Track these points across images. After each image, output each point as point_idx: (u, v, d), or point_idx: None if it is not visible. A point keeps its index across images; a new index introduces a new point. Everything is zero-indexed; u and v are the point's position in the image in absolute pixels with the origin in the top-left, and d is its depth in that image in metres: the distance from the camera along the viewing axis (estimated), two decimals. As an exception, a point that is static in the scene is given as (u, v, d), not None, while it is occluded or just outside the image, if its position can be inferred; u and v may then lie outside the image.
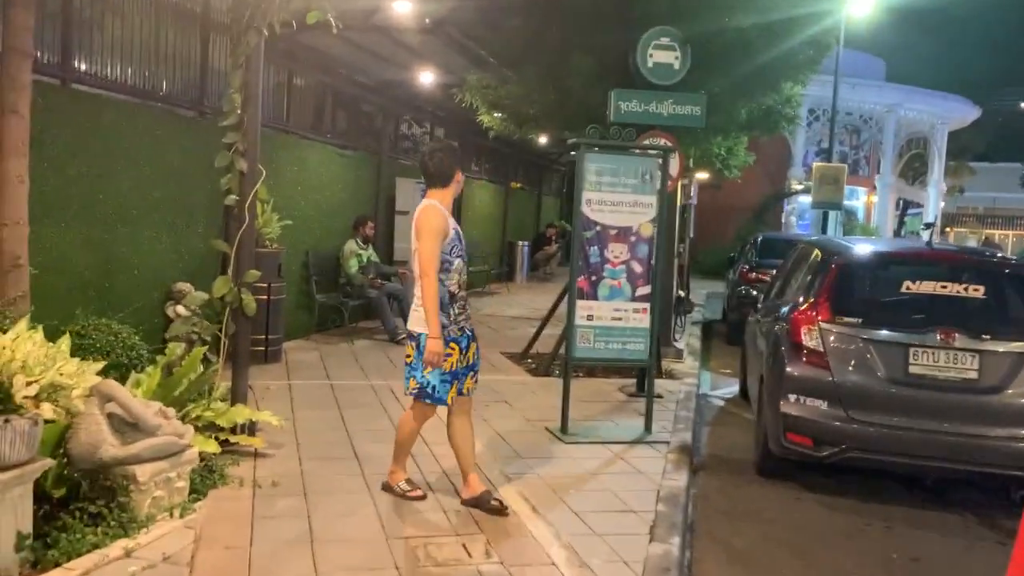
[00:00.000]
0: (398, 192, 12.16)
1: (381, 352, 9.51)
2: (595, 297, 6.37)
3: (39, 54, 6.19)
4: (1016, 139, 38.22)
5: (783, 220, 27.12)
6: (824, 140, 27.84)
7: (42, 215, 5.98)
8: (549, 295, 17.32)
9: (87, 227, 6.49)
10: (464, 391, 4.81)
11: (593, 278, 6.36)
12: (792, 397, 5.48)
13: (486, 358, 9.56)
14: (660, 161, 6.45)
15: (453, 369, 4.64)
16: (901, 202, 34.27)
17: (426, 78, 10.43)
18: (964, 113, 30.35)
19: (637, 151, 6.71)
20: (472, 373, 4.83)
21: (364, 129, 12.22)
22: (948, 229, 42.63)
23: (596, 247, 6.35)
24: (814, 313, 5.57)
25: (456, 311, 4.68)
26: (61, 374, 3.51)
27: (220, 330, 5.56)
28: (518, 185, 20.41)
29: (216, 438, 5.19)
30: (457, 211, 15.45)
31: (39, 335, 3.70)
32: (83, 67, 6.64)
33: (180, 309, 7.42)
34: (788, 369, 5.55)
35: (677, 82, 7.91)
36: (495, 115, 9.63)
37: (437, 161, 4.83)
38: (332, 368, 8.44)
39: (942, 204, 32.29)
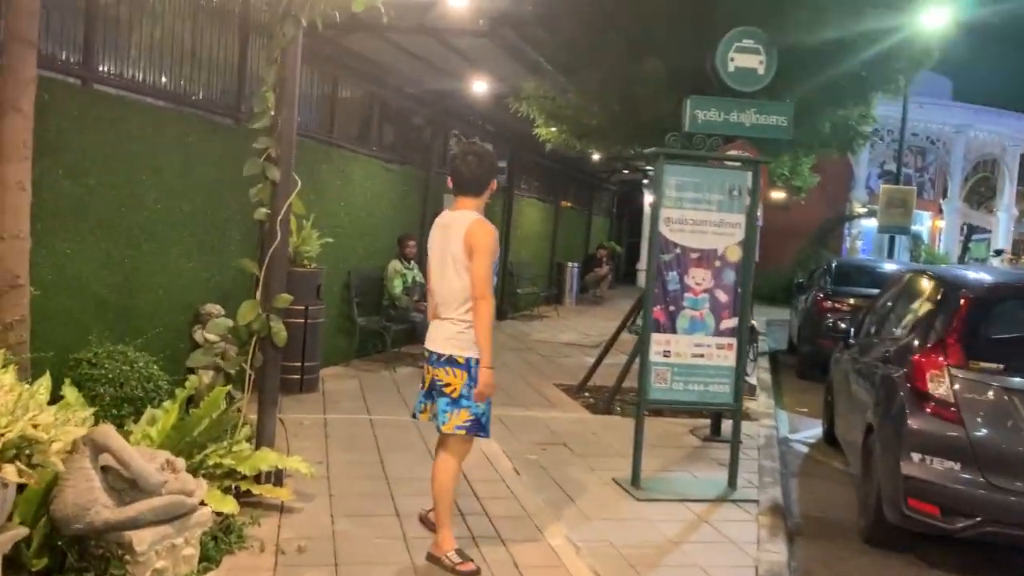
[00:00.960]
0: (446, 209, 11.45)
1: (426, 382, 8.75)
2: (673, 330, 5.55)
3: (58, 51, 5.62)
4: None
5: (846, 244, 25.94)
6: (887, 162, 26.71)
7: (56, 228, 5.36)
8: (601, 320, 16.57)
9: (106, 242, 5.85)
10: None
11: (671, 308, 5.54)
12: (915, 456, 4.58)
13: (539, 391, 8.78)
14: (750, 175, 5.63)
15: None
16: (965, 227, 32.82)
17: (479, 87, 9.72)
18: (1038, 134, 28.94)
19: (720, 163, 5.89)
20: None
21: (412, 143, 11.56)
22: (1012, 257, 40.77)
23: (675, 272, 5.54)
24: (941, 356, 4.68)
25: None
26: (35, 425, 2.80)
27: (247, 361, 4.85)
28: (568, 204, 19.65)
29: (237, 489, 4.47)
30: (505, 229, 14.76)
31: (9, 376, 3.01)
32: (107, 67, 6.03)
33: (208, 334, 6.76)
34: (910, 423, 4.65)
35: (759, 89, 7.08)
36: (552, 128, 8.86)
37: (472, 166, 4.24)
38: (372, 400, 7.71)
39: (1011, 229, 30.72)
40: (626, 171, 20.22)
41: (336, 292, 9.21)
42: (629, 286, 25.28)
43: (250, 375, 4.84)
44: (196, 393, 5.78)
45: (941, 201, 28.58)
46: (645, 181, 25.13)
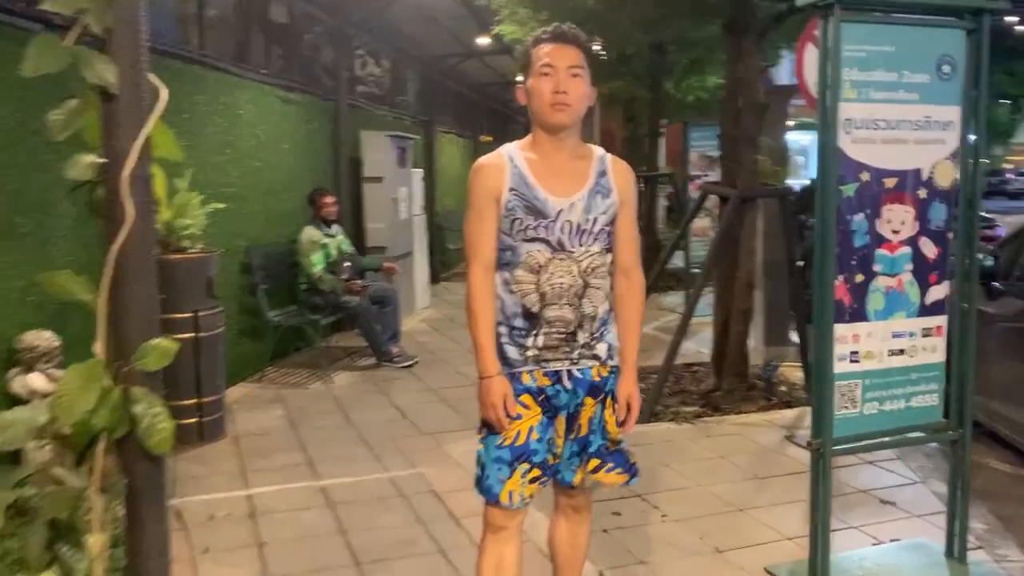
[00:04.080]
0: (364, 151, 8.76)
1: (379, 394, 6.23)
2: (863, 316, 3.22)
3: None
4: None
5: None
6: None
7: None
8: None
9: None
10: (578, 483, 2.55)
11: (858, 277, 3.20)
12: None
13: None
14: (964, 35, 3.28)
15: (522, 443, 2.43)
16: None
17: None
18: None
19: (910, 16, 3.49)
20: (583, 455, 2.52)
21: (311, 64, 8.75)
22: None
23: (862, 215, 3.18)
24: None
25: (540, 338, 2.43)
26: None
27: (92, 485, 2.23)
28: (490, 139, 17.07)
29: None
30: (429, 173, 12.05)
31: None
32: None
33: (37, 381, 4.07)
34: None
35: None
36: (525, 21, 6.26)
37: None
38: (312, 440, 5.14)
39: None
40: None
41: (233, 278, 6.51)
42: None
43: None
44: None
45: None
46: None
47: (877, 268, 3.21)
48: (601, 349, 2.48)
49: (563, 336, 2.42)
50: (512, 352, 2.44)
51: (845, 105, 3.07)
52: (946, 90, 3.24)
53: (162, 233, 4.91)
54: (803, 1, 3.14)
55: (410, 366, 7.04)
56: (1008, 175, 37.65)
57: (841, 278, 3.15)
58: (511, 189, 2.40)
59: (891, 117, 3.17)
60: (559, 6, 5.74)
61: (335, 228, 7.28)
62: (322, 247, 7.03)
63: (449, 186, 13.88)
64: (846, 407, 3.22)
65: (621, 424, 2.50)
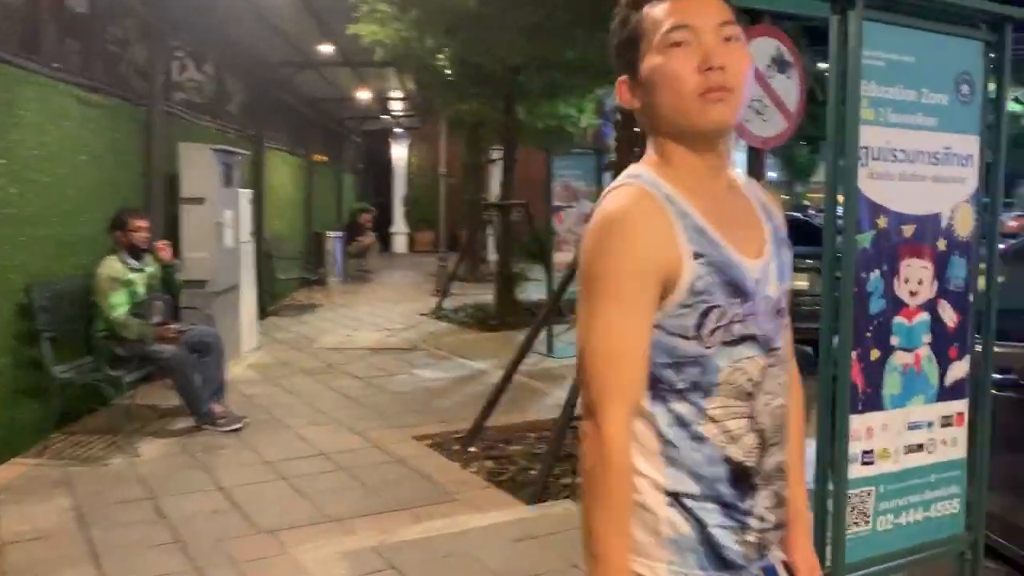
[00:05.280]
0: (183, 166, 7.41)
1: (200, 471, 4.97)
2: (878, 403, 2.48)
3: None
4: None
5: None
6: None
7: None
8: (388, 303, 13.02)
9: None
10: None
11: (875, 354, 2.45)
12: None
13: (403, 459, 5.30)
14: (980, 49, 2.63)
15: None
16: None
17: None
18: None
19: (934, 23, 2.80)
20: None
21: (119, 61, 7.33)
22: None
23: (878, 273, 2.44)
24: None
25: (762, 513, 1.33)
26: None
27: None
28: (323, 158, 15.76)
29: None
30: (258, 192, 10.68)
31: None
32: None
33: None
34: None
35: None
36: (391, 22, 5.25)
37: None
38: (109, 546, 3.86)
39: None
40: (385, 115, 16.72)
41: (6, 324, 5.07)
42: (385, 255, 21.87)
43: None
44: None
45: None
46: (398, 129, 21.75)
47: (894, 341, 2.48)
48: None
49: (778, 500, 1.39)
50: (729, 543, 1.33)
51: (866, 127, 2.33)
52: (965, 115, 2.58)
53: None
54: (814, -13, 2.37)
55: (238, 429, 5.80)
56: (811, 211, 40.24)
57: (854, 355, 2.39)
58: (697, 255, 1.29)
59: (908, 147, 2.46)
60: (432, 5, 4.79)
61: (145, 260, 5.94)
62: (126, 284, 5.68)
63: (280, 208, 12.54)
64: (856, 523, 2.46)
65: None
